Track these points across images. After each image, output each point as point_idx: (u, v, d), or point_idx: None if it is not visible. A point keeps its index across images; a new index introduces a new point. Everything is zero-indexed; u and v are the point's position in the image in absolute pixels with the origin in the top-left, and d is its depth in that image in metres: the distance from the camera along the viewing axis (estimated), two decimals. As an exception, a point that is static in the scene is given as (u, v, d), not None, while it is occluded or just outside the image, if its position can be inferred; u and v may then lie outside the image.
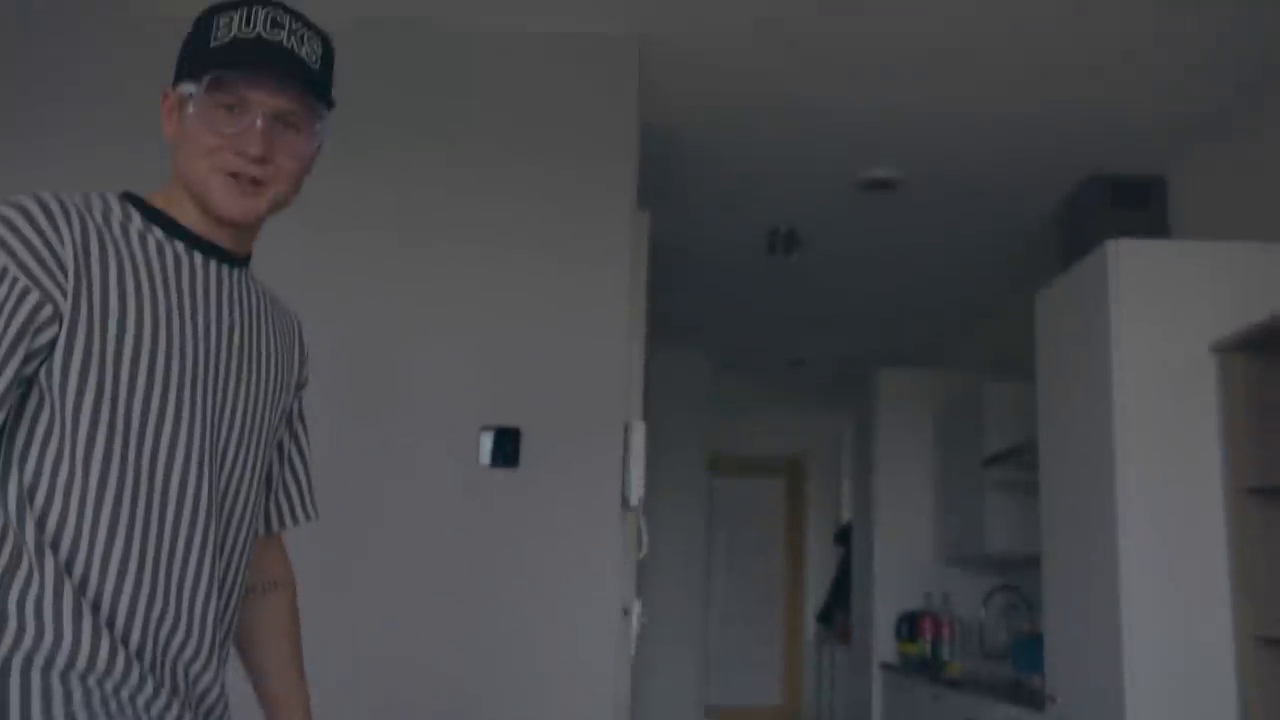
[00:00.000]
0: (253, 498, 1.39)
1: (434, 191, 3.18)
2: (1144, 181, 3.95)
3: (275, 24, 1.31)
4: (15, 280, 1.17)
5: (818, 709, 8.26)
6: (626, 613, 3.11)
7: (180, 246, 1.32)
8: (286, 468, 1.57)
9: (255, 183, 1.31)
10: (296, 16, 1.34)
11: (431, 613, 2.96)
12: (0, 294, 1.16)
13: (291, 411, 1.56)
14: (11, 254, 1.18)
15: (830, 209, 4.60)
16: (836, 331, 6.61)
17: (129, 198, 1.32)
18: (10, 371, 1.17)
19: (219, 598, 1.32)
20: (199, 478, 1.28)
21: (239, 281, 1.39)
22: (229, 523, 1.35)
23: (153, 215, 1.32)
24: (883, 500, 5.95)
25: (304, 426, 1.60)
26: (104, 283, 1.22)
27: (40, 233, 1.20)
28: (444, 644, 2.95)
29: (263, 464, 1.42)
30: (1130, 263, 3.16)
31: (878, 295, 5.84)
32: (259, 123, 1.29)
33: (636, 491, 3.04)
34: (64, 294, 1.20)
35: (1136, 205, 3.90)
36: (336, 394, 2.97)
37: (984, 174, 4.20)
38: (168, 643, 1.25)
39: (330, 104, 1.37)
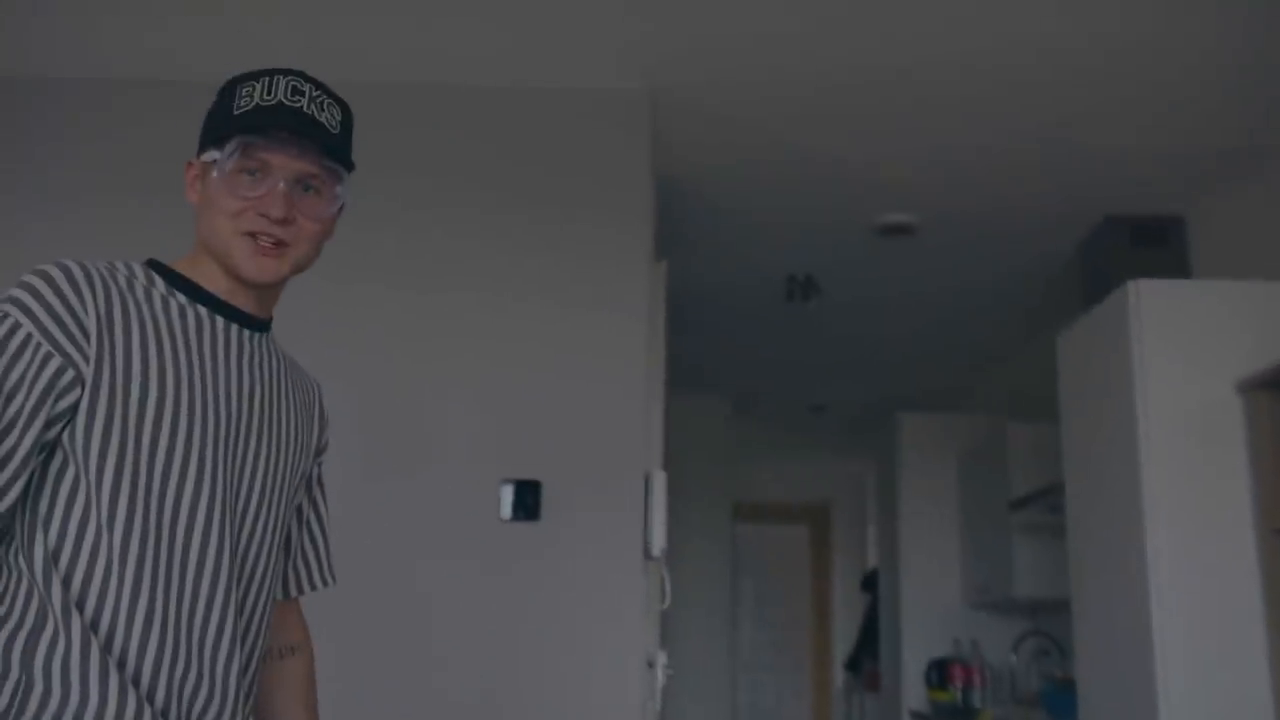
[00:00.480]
0: (273, 561, 1.40)
1: (451, 245, 3.20)
2: (1163, 222, 3.94)
3: (296, 91, 1.35)
4: (39, 346, 1.20)
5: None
6: (651, 665, 3.08)
7: (203, 311, 1.34)
8: (305, 533, 1.58)
9: (278, 244, 1.34)
10: (317, 85, 1.38)
11: (454, 667, 2.94)
12: (24, 360, 1.19)
13: (311, 477, 1.58)
14: (35, 320, 1.20)
15: (847, 255, 4.60)
16: (857, 377, 6.59)
17: (153, 264, 1.35)
18: (32, 436, 1.19)
19: (240, 658, 1.32)
20: (220, 540, 1.29)
21: (260, 346, 1.41)
22: (249, 585, 1.35)
23: (175, 280, 1.34)
24: (908, 546, 5.89)
25: (323, 492, 1.61)
26: (127, 347, 1.25)
27: (64, 299, 1.22)
28: (467, 698, 2.92)
29: (282, 528, 1.43)
30: (1151, 303, 3.15)
31: (897, 340, 5.82)
32: (281, 185, 1.33)
33: (659, 542, 3.03)
34: (86, 359, 1.22)
35: (1156, 245, 3.89)
36: (354, 450, 2.98)
37: (1001, 217, 4.20)
38: (191, 703, 1.26)
39: (350, 167, 1.40)
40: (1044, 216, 4.17)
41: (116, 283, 1.27)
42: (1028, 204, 4.08)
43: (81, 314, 1.22)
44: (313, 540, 1.59)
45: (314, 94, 1.36)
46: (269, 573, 1.39)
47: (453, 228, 3.22)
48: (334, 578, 1.61)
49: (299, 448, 1.46)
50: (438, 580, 2.98)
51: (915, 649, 5.76)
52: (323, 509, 1.60)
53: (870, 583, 7.64)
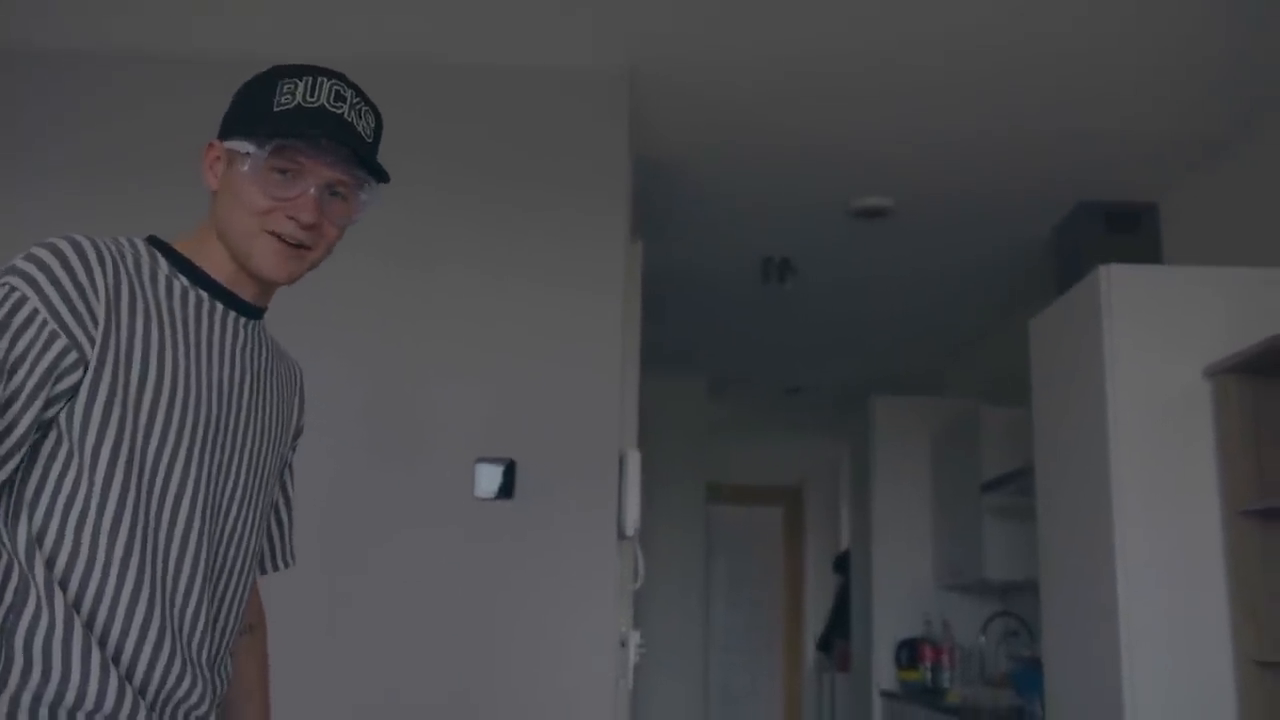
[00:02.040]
0: (250, 550, 1.41)
1: (425, 224, 3.19)
2: (1136, 208, 3.97)
3: (339, 96, 1.34)
4: (44, 324, 1.18)
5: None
6: (623, 644, 3.10)
7: (204, 295, 1.34)
8: (271, 515, 1.58)
9: (300, 248, 1.34)
10: (357, 91, 1.37)
11: (427, 644, 2.95)
12: (28, 337, 1.18)
13: (282, 468, 1.58)
14: (43, 297, 1.19)
15: (823, 237, 4.62)
16: (832, 359, 6.62)
17: (155, 243, 1.35)
18: (31, 415, 1.18)
19: (212, 642, 1.33)
20: (200, 527, 1.30)
21: (254, 334, 1.41)
22: (226, 573, 1.36)
23: (178, 261, 1.34)
24: (881, 527, 5.94)
25: (292, 475, 1.62)
26: (131, 331, 1.24)
27: (74, 277, 1.21)
28: (440, 676, 2.93)
29: (263, 518, 1.44)
30: (1123, 288, 3.18)
31: (873, 322, 5.85)
32: (313, 191, 1.33)
33: (632, 521, 3.04)
34: (91, 342, 1.21)
35: (1128, 231, 3.93)
36: (329, 429, 2.97)
37: (976, 201, 4.22)
38: (170, 683, 1.26)
39: (382, 178, 1.39)
40: (1019, 201, 4.20)
41: (125, 264, 1.27)
42: (1003, 188, 4.10)
43: (91, 295, 1.21)
44: (278, 522, 1.59)
45: (354, 100, 1.35)
46: (246, 562, 1.40)
47: (427, 206, 3.21)
48: (294, 559, 1.62)
49: (281, 433, 1.47)
50: (412, 558, 2.98)
51: (886, 629, 5.82)
52: (290, 491, 1.61)
53: (842, 564, 7.69)
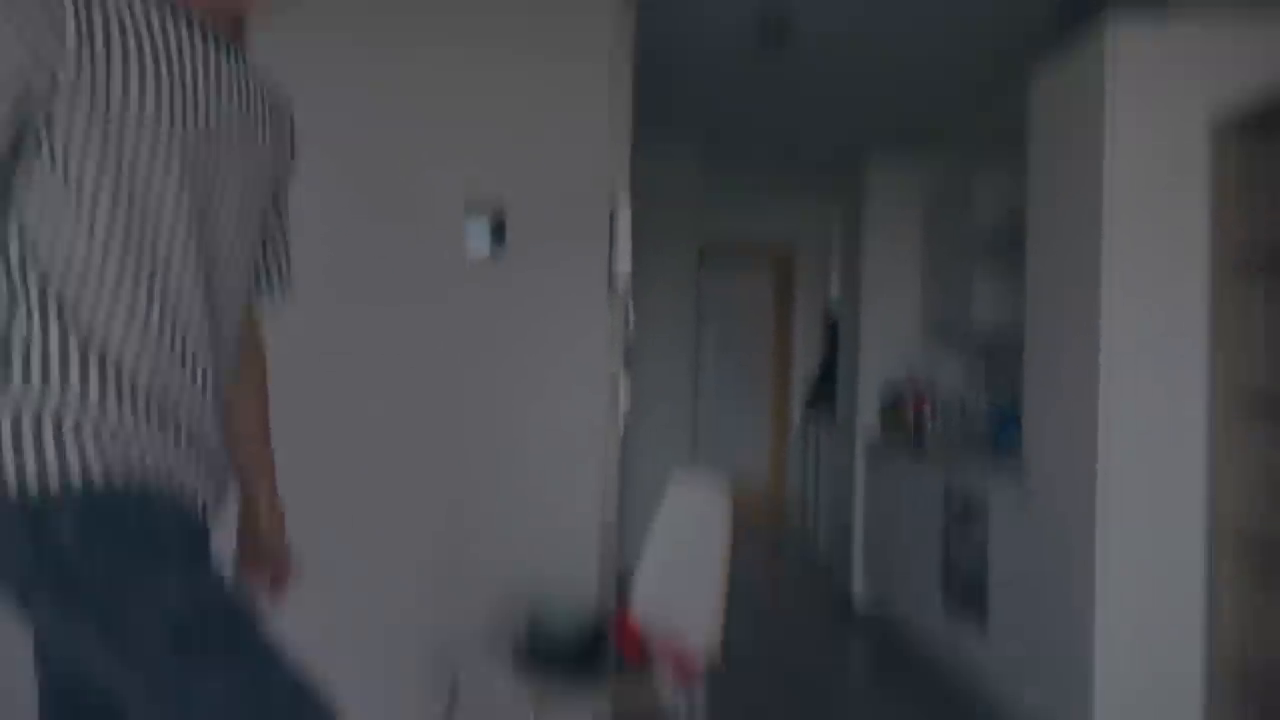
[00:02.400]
0: (246, 269, 1.45)
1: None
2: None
3: None
4: (10, 45, 1.18)
5: (803, 489, 8.59)
6: (615, 383, 3.23)
7: (184, 28, 1.33)
8: (268, 243, 1.62)
9: None
10: None
11: (422, 396, 3.06)
12: None
13: (277, 197, 1.60)
14: (10, 18, 1.18)
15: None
16: (828, 119, 6.53)
17: None
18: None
19: (215, 359, 1.38)
20: (197, 238, 1.33)
21: (236, 60, 1.41)
22: (225, 288, 1.40)
23: None
24: (870, 280, 6.00)
25: (286, 214, 1.64)
26: (107, 50, 1.24)
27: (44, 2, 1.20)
28: (435, 417, 3.06)
29: (254, 242, 1.47)
30: (1127, 41, 3.10)
31: (869, 80, 5.74)
32: None
33: (623, 269, 3.11)
34: (63, 58, 1.20)
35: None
36: (323, 189, 2.97)
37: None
38: (174, 396, 1.30)
39: None
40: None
41: None
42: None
43: (59, 10, 1.21)
44: (275, 252, 1.62)
45: None
46: (242, 280, 1.44)
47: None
48: (288, 283, 1.65)
49: (270, 159, 1.49)
50: (407, 316, 3.06)
51: (871, 382, 5.98)
52: (284, 218, 1.63)
53: (833, 334, 7.78)
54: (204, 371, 1.35)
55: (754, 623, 5.31)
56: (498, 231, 3.05)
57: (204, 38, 1.35)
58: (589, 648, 2.55)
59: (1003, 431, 4.66)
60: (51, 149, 1.22)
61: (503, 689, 2.43)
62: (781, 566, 7.41)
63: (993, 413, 5.17)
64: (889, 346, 5.96)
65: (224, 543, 1.52)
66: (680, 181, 6.87)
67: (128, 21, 1.27)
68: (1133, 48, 3.12)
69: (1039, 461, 3.53)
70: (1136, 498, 3.08)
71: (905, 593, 5.12)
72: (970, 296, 5.13)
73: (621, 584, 3.03)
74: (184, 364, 1.32)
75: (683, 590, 2.58)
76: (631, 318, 3.27)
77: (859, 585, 5.95)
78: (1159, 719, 3.04)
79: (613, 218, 3.12)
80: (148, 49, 1.27)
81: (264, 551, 1.66)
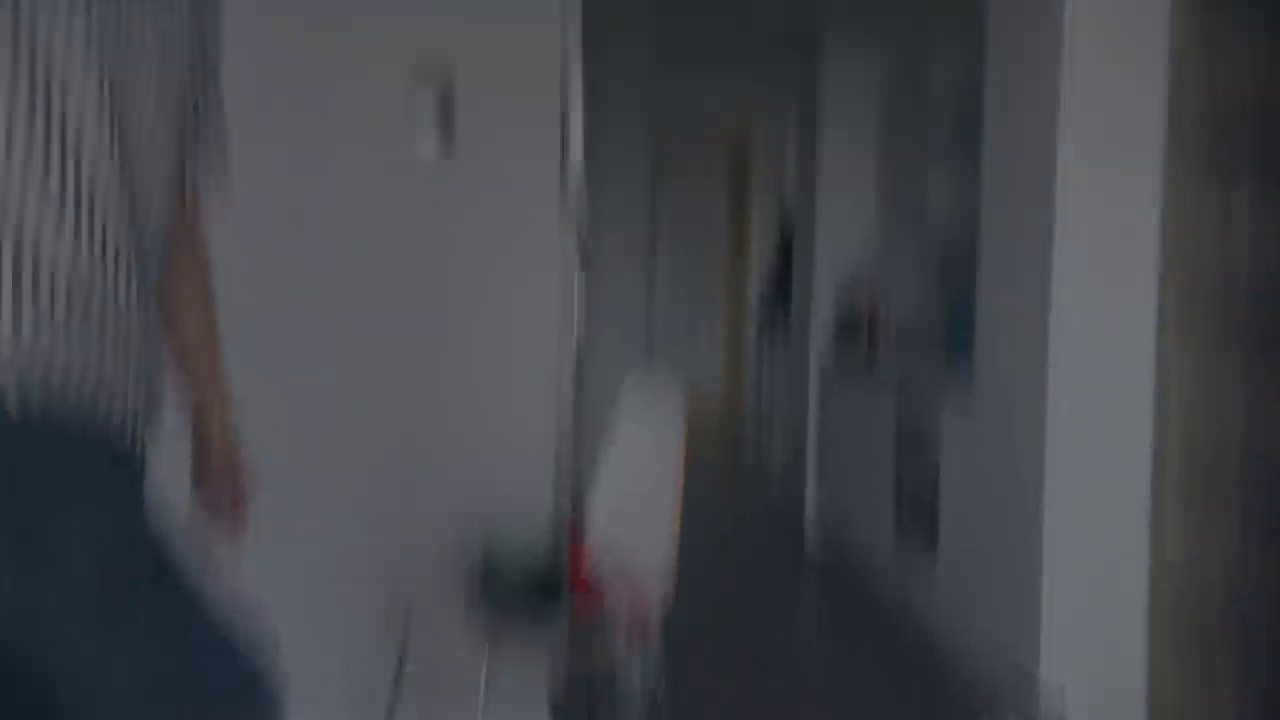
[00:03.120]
0: (167, 155, 1.34)
1: None
2: None
3: None
4: None
5: (758, 406, 8.52)
6: (573, 260, 3.10)
7: None
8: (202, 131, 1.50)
9: None
10: None
11: (371, 268, 2.93)
12: None
13: (205, 76, 1.48)
14: None
15: None
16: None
17: None
18: None
19: (139, 250, 1.29)
20: (111, 124, 1.22)
21: None
22: (146, 178, 1.30)
23: None
24: (825, 175, 5.88)
25: (216, 93, 1.51)
26: None
27: None
28: (376, 337, 2.94)
29: (177, 126, 1.36)
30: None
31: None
32: None
33: (576, 159, 2.94)
34: None
35: None
36: (248, 59, 2.76)
37: None
38: (96, 290, 1.22)
39: None
40: None
41: None
42: None
43: None
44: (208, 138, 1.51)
45: None
46: (165, 168, 1.34)
47: None
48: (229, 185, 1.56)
49: (194, 35, 1.38)
50: (352, 208, 2.91)
51: (826, 287, 5.86)
52: (218, 106, 1.52)
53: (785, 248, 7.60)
54: (128, 264, 1.26)
55: (705, 559, 5.20)
56: (445, 113, 2.87)
57: None
58: (544, 583, 2.46)
59: (958, 336, 4.57)
60: None
61: (455, 630, 2.36)
62: (735, 495, 7.38)
63: (949, 313, 5.07)
64: (845, 248, 5.84)
65: (162, 459, 1.43)
66: (632, 68, 6.61)
67: None
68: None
69: (990, 372, 3.49)
70: (1086, 412, 3.04)
71: (858, 526, 5.08)
72: (926, 189, 5.01)
73: (577, 505, 2.93)
74: (104, 254, 1.22)
75: (637, 519, 2.49)
76: (585, 216, 3.11)
77: (811, 519, 5.87)
78: (1105, 641, 3.05)
79: (564, 108, 2.95)
80: None
81: (219, 466, 1.59)
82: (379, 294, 2.94)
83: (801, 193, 6.39)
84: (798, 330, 6.34)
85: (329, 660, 2.83)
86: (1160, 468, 3.00)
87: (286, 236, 2.89)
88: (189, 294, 1.54)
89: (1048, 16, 3.10)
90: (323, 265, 2.91)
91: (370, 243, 2.93)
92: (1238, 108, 2.93)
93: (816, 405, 5.90)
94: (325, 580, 2.88)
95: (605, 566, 2.46)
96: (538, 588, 2.45)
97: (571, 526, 2.89)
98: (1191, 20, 2.92)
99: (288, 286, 2.88)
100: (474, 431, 2.97)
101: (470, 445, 2.96)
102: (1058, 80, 3.03)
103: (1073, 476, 3.03)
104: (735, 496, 7.36)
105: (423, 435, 2.95)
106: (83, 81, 1.18)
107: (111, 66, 1.21)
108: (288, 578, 2.74)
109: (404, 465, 2.94)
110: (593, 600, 2.40)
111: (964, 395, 3.73)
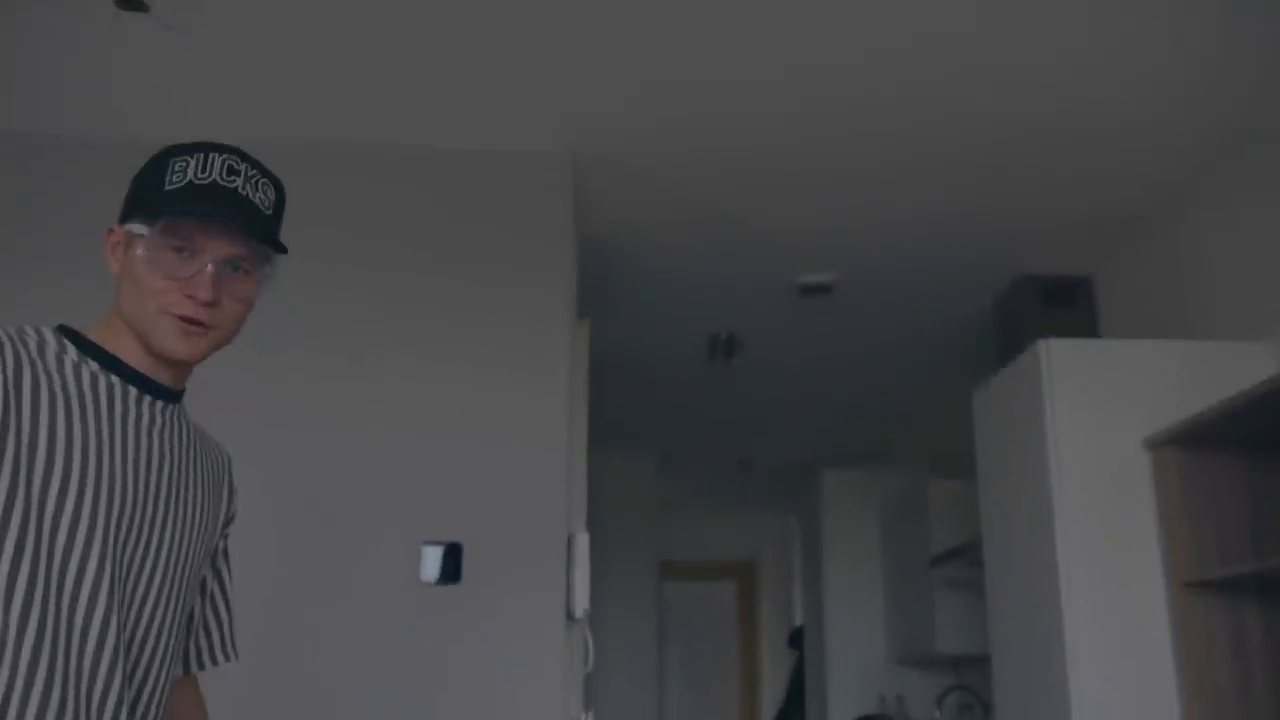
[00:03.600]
0: (173, 638, 1.36)
1: (369, 307, 3.18)
2: (1071, 281, 4.05)
3: (231, 171, 1.33)
4: None
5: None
6: (574, 729, 3.04)
7: (115, 380, 1.31)
8: (208, 606, 1.54)
9: (200, 325, 1.31)
10: (253, 164, 1.36)
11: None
12: None
13: (216, 549, 1.54)
14: None
15: (769, 314, 4.66)
16: (781, 433, 6.64)
17: (64, 331, 1.32)
18: None
19: None
20: (116, 624, 1.25)
21: (172, 418, 1.38)
22: (144, 663, 1.31)
23: (87, 348, 1.30)
24: (834, 602, 5.92)
25: (228, 564, 1.57)
26: (34, 417, 1.21)
27: None
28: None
29: (185, 603, 1.39)
30: (1062, 361, 3.22)
31: (820, 396, 5.89)
32: (210, 268, 1.30)
33: (581, 603, 3.00)
34: None
35: (1065, 304, 4.00)
36: (269, 514, 2.92)
37: (918, 276, 4.29)
38: None
39: (280, 249, 1.37)
40: (959, 275, 4.27)
41: (26, 348, 1.24)
42: (943, 263, 4.17)
43: None
44: (215, 614, 1.54)
45: (249, 173, 1.34)
46: (168, 651, 1.35)
47: (371, 287, 3.19)
48: (237, 653, 1.57)
49: (206, 521, 1.42)
50: (359, 643, 2.92)
51: (841, 706, 5.77)
52: (227, 581, 1.56)
53: (797, 640, 7.63)
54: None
55: None
56: (452, 557, 2.94)
57: (139, 389, 1.32)
58: None
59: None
60: None
61: None
62: None
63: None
64: (857, 670, 5.81)
65: None
66: (637, 494, 6.86)
67: (56, 385, 1.24)
68: (1066, 365, 3.21)
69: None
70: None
71: None
72: (934, 615, 5.05)
73: None
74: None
75: None
76: (591, 652, 3.12)
77: None
78: None
79: (570, 545, 3.03)
80: (75, 411, 1.24)
81: None
82: (389, 710, 2.90)
83: (811, 617, 6.39)
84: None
85: None
86: None
87: (298, 664, 2.89)
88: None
89: (1033, 453, 3.28)
90: (332, 689, 2.88)
91: (380, 668, 2.90)
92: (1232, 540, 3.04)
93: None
94: None
95: None
96: None
97: None
98: (1168, 461, 3.10)
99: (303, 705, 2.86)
100: None
101: None
102: (1050, 508, 3.13)
103: None
104: None
105: None
106: (91, 599, 1.23)
107: (122, 581, 1.26)
108: None
109: None
110: None
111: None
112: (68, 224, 3.11)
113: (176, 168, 1.31)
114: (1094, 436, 3.16)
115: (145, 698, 1.32)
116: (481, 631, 2.94)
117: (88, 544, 1.23)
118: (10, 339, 1.23)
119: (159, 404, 1.35)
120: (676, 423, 6.41)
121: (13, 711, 1.16)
